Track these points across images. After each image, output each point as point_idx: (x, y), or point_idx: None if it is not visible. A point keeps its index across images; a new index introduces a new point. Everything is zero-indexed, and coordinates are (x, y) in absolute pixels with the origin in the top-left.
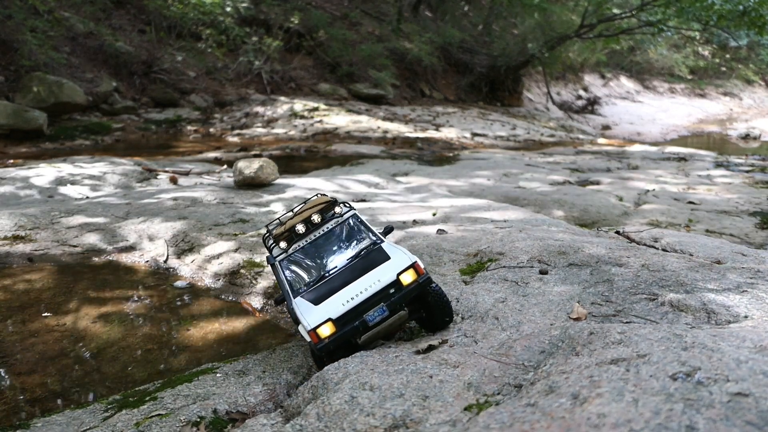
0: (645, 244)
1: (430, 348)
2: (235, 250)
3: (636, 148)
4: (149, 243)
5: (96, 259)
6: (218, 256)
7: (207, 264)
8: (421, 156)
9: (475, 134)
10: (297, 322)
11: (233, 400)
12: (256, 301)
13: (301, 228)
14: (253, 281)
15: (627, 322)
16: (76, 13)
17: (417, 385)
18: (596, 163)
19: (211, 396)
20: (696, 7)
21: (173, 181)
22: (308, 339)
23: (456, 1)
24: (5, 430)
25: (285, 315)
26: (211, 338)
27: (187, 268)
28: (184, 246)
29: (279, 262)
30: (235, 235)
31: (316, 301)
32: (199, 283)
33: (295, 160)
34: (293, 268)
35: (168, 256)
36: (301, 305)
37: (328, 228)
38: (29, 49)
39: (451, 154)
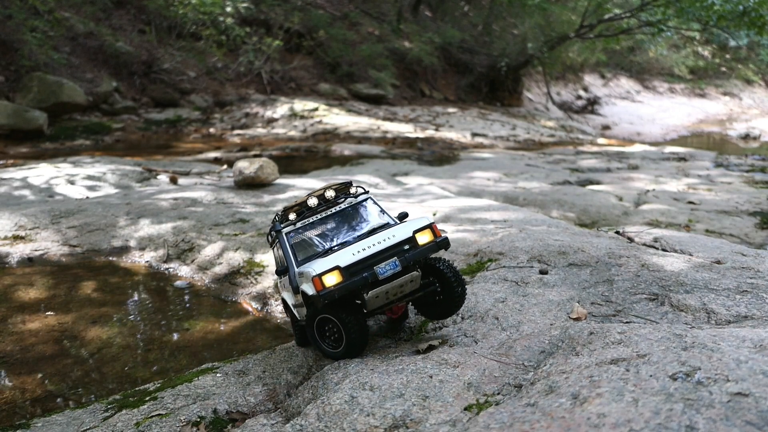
0: (645, 244)
1: (430, 348)
2: (235, 250)
3: (636, 148)
4: (149, 243)
5: (96, 259)
6: (218, 256)
7: (207, 264)
8: (421, 156)
9: (474, 134)
10: (297, 290)
11: (233, 400)
12: (257, 301)
13: (313, 201)
14: (253, 281)
15: (627, 322)
16: (76, 13)
17: (417, 385)
18: (596, 163)
19: (211, 396)
20: (696, 7)
21: (173, 181)
22: (311, 292)
23: (456, 1)
24: (5, 430)
25: (285, 315)
26: (211, 338)
27: (186, 268)
28: (184, 246)
29: (285, 233)
30: (235, 235)
31: (324, 256)
32: (199, 283)
33: (295, 160)
34: (300, 240)
35: (168, 256)
36: (304, 266)
37: (341, 207)
38: (29, 49)
39: (450, 154)
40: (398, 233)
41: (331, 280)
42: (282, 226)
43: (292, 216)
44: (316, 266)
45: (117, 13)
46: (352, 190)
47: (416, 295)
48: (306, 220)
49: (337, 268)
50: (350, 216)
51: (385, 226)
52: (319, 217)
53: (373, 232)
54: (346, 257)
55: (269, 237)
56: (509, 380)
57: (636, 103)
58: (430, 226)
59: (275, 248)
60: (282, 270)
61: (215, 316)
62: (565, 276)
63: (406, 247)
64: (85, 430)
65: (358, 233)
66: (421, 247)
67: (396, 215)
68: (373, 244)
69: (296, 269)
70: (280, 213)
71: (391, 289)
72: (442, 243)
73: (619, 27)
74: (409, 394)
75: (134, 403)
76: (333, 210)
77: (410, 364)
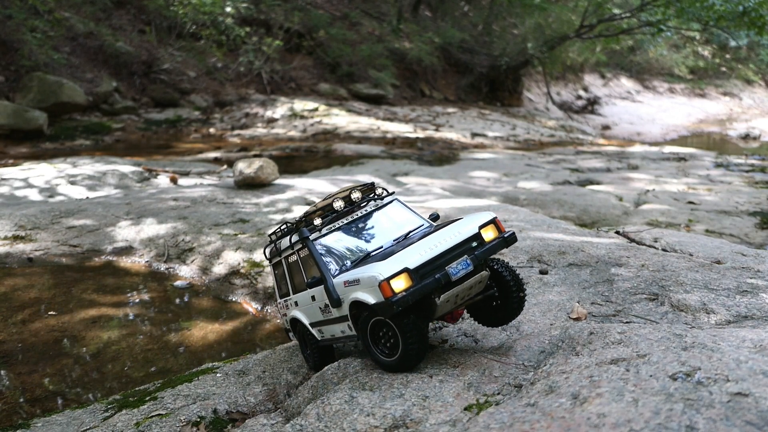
0: (645, 244)
1: (430, 348)
2: (235, 250)
3: (636, 148)
4: (149, 243)
5: (96, 259)
6: (218, 256)
7: (207, 264)
8: (421, 156)
9: (474, 134)
10: (336, 303)
11: (233, 400)
12: (256, 301)
13: (339, 204)
14: (253, 281)
15: (627, 322)
16: (76, 13)
17: (417, 384)
18: (596, 163)
19: (211, 396)
20: (696, 7)
21: (173, 181)
22: (373, 300)
23: (456, 1)
24: (5, 430)
25: (288, 336)
26: (211, 338)
27: (187, 268)
28: (184, 246)
29: (313, 239)
30: (235, 235)
31: (382, 258)
32: (199, 283)
33: (295, 160)
34: (331, 247)
35: (168, 256)
36: (353, 273)
37: (368, 209)
38: (29, 49)
39: (450, 154)
40: (463, 229)
41: (400, 284)
42: (309, 232)
43: (317, 221)
44: (381, 269)
45: (117, 13)
46: (378, 191)
47: (475, 299)
48: (333, 225)
49: (405, 270)
50: (380, 219)
51: (421, 228)
52: (346, 221)
53: (410, 234)
54: (412, 258)
55: (270, 251)
56: (509, 380)
57: (636, 103)
58: (494, 221)
59: (283, 262)
60: (314, 282)
61: (215, 316)
62: (565, 276)
63: (474, 244)
64: (85, 430)
65: (393, 236)
66: (488, 244)
67: (427, 216)
68: (439, 243)
69: (334, 280)
70: (293, 221)
71: (461, 291)
72: (510, 239)
73: (619, 27)
74: (409, 394)
75: (134, 403)
76: (360, 213)
77: None
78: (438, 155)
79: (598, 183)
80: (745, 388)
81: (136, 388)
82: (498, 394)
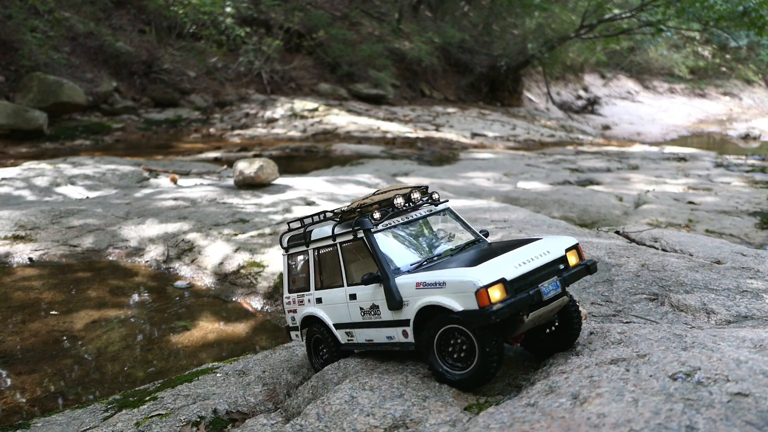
0: (645, 244)
1: None
2: (235, 250)
3: (636, 148)
4: (149, 243)
5: (96, 259)
6: (218, 256)
7: (207, 264)
8: (421, 156)
9: (474, 134)
10: (397, 305)
11: (233, 400)
12: (256, 301)
13: (400, 201)
14: (253, 281)
15: (627, 322)
16: (76, 13)
17: (417, 384)
18: (596, 163)
19: (211, 396)
20: (696, 7)
21: (173, 181)
22: (461, 307)
23: (456, 1)
24: (5, 430)
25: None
26: (211, 338)
27: (187, 268)
28: (184, 246)
29: (374, 233)
30: (235, 235)
31: (471, 264)
32: (199, 283)
33: (295, 160)
34: (387, 244)
35: (168, 256)
36: (432, 275)
37: (422, 213)
38: (29, 49)
39: (450, 154)
40: (552, 250)
41: (496, 294)
42: (371, 225)
43: (376, 215)
44: (478, 275)
45: (117, 13)
46: (435, 195)
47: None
48: (391, 221)
49: (502, 281)
50: (433, 224)
51: (479, 242)
52: (403, 220)
53: (468, 246)
54: (507, 269)
55: (288, 240)
56: (509, 380)
57: (636, 103)
58: (576, 247)
59: (311, 252)
60: (371, 278)
61: (215, 316)
62: None
63: (561, 266)
64: (85, 430)
65: (453, 243)
66: (573, 269)
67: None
68: (531, 258)
69: (397, 279)
70: (334, 210)
71: (545, 312)
72: (593, 268)
73: (619, 27)
74: (409, 394)
75: (134, 403)
76: (417, 214)
77: (410, 364)
78: (438, 155)
79: (598, 183)
80: (745, 388)
81: (136, 388)
82: (498, 394)
